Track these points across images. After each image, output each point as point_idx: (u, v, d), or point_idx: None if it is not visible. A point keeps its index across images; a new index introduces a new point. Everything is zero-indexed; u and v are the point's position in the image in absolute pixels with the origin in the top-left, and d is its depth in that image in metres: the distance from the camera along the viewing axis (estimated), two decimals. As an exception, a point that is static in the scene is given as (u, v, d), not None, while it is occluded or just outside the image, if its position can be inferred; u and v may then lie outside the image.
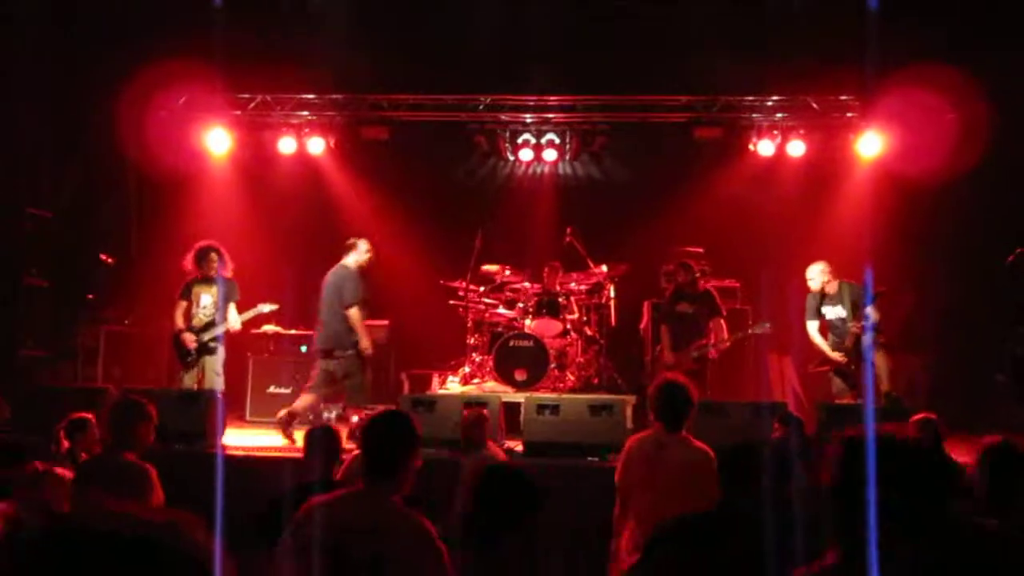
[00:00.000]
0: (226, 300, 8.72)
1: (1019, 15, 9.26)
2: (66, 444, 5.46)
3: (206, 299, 8.73)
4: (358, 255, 8.56)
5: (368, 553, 3.14)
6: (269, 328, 10.23)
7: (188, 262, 8.74)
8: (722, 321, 9.07)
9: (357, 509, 3.29)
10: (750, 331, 9.40)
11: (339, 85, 10.97)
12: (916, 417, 6.16)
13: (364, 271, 8.59)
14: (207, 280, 8.73)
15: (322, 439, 5.32)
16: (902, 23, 9.12)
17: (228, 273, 8.79)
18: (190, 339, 8.62)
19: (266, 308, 9.04)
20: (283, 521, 3.42)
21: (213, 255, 8.71)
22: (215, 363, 8.66)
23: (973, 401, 9.64)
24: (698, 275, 9.31)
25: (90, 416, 5.62)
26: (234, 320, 8.70)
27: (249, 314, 8.83)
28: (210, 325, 8.69)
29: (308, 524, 3.25)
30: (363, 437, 3.55)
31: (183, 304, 8.76)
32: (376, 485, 3.37)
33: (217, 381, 8.59)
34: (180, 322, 8.73)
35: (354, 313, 8.37)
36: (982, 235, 10.21)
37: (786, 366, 10.42)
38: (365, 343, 8.36)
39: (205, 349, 8.66)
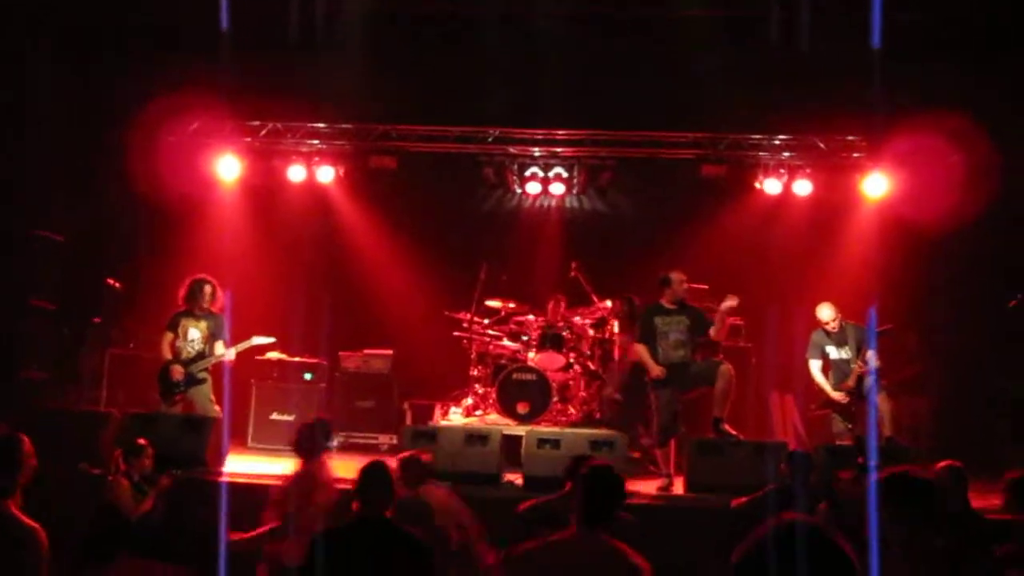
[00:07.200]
0: (214, 336, 8.69)
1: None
2: (123, 467, 6.42)
3: (194, 333, 8.69)
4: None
5: None
6: (273, 355, 10.24)
7: (181, 294, 8.71)
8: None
9: (579, 550, 3.73)
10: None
11: (349, 115, 11.06)
12: (941, 464, 6.01)
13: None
14: (196, 314, 8.70)
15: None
16: (909, 66, 9.19)
17: (219, 308, 8.74)
18: (178, 371, 8.56)
19: (261, 340, 9.01)
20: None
21: (207, 288, 8.67)
22: (206, 391, 8.63)
23: (976, 445, 9.59)
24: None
25: (144, 442, 6.57)
26: (224, 351, 8.64)
27: (243, 345, 8.79)
28: (198, 357, 8.66)
29: (528, 563, 3.69)
30: (584, 487, 3.87)
31: (169, 336, 8.70)
32: (592, 529, 3.78)
33: (212, 408, 8.57)
34: (167, 353, 8.65)
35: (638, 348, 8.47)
36: (986, 278, 10.21)
37: (788, 405, 10.36)
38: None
39: (194, 380, 8.62)
